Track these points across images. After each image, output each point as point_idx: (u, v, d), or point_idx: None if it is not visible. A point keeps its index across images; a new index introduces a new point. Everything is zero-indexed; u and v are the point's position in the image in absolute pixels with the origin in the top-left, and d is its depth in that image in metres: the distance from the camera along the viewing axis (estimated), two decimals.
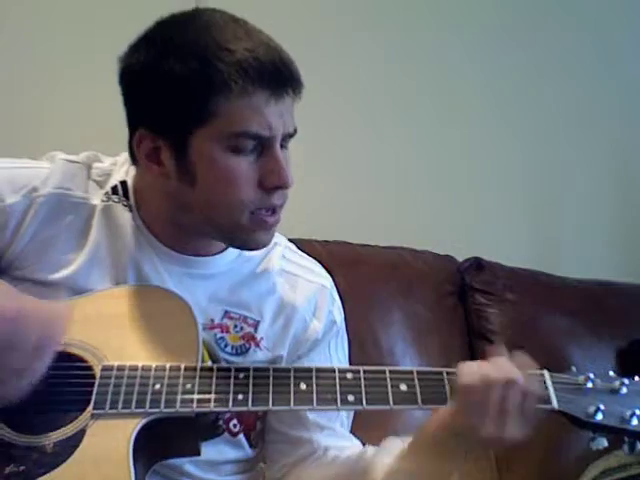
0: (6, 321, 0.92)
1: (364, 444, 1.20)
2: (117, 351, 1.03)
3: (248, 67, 1.00)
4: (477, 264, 2.07)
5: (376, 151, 2.22)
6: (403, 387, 1.02)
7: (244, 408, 1.00)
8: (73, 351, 1.03)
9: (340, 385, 1.01)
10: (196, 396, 0.99)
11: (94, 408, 0.98)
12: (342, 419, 1.21)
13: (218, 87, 1.00)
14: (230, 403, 1.00)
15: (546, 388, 1.01)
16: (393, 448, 1.10)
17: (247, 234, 1.09)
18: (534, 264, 2.16)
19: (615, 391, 1.01)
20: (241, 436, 1.18)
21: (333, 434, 1.19)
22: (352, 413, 1.24)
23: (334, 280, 1.27)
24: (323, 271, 1.27)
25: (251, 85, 1.00)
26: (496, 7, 2.35)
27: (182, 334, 1.05)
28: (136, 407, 0.98)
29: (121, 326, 1.06)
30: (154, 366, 1.02)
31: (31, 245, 1.10)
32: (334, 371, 1.03)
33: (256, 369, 1.03)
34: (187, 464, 1.11)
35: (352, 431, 1.23)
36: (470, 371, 0.99)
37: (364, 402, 1.01)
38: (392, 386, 1.02)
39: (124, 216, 1.14)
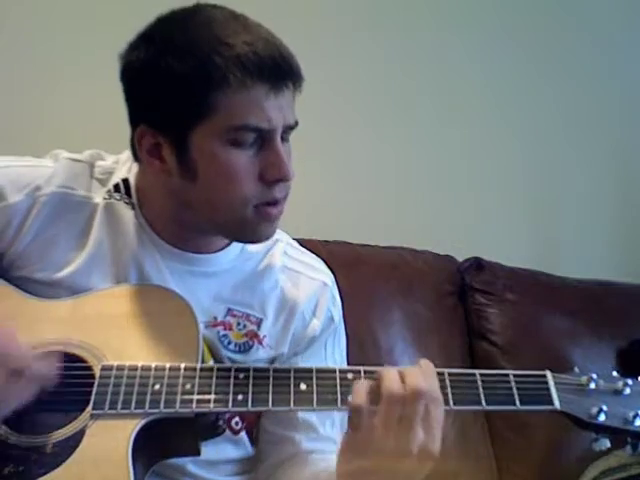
0: None
1: None
2: (117, 351, 1.03)
3: (246, 61, 0.99)
4: (477, 264, 2.07)
5: (376, 151, 2.22)
6: None
7: (244, 408, 0.99)
8: (72, 351, 1.03)
9: (341, 385, 1.00)
10: (196, 396, 0.99)
11: (93, 408, 0.98)
12: (333, 418, 1.20)
13: (217, 82, 0.99)
14: (230, 403, 0.99)
15: (548, 389, 1.01)
16: None
17: (251, 227, 1.08)
18: (534, 264, 2.15)
19: (618, 392, 1.01)
20: (243, 434, 1.18)
21: (317, 438, 1.18)
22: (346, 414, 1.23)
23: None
24: (324, 267, 1.27)
25: (250, 79, 0.99)
26: (496, 7, 2.34)
27: (182, 334, 1.05)
28: (135, 407, 0.98)
29: (121, 326, 1.06)
30: (154, 366, 1.01)
31: (33, 244, 1.10)
32: (334, 371, 1.02)
33: (256, 369, 1.03)
34: (189, 464, 1.11)
35: None
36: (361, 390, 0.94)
37: None
38: None
39: (126, 214, 1.14)
